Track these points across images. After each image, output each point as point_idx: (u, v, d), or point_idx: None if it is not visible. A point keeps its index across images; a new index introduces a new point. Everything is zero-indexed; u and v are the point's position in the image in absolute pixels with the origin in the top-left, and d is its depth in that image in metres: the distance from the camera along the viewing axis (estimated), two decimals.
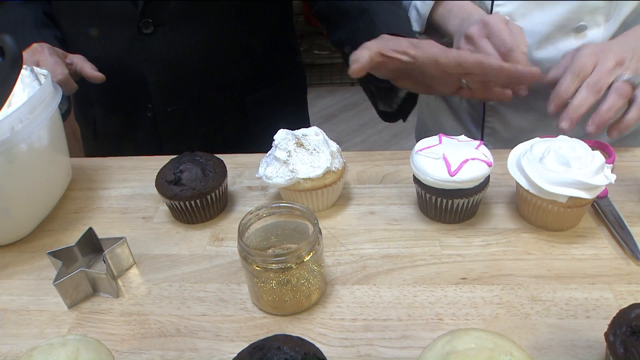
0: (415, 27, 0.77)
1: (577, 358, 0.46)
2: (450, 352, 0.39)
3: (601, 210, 0.60)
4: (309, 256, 0.49)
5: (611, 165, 0.59)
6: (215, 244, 0.61)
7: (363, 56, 0.60)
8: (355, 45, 0.62)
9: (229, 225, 0.64)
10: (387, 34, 0.65)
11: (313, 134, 0.64)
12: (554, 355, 0.46)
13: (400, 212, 0.64)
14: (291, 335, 0.42)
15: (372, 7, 0.73)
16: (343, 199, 0.66)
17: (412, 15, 0.77)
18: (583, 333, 0.48)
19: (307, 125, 0.66)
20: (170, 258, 0.60)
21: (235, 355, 0.42)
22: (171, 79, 0.83)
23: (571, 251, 0.57)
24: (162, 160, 0.68)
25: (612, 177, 0.56)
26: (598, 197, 0.61)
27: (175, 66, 0.82)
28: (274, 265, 0.48)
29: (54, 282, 0.53)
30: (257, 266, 0.49)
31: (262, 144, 0.68)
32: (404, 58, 0.61)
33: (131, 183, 0.73)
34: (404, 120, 0.79)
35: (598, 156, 0.56)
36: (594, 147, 0.59)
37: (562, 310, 0.51)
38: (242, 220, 0.51)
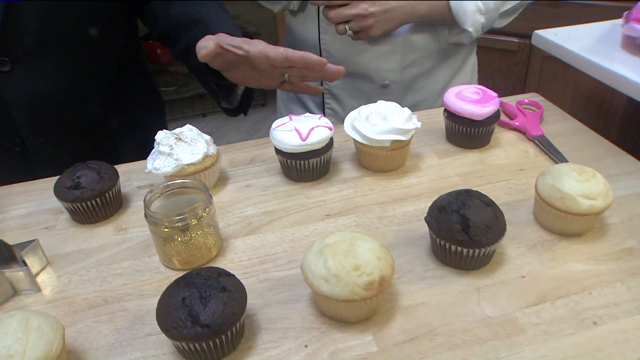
0: None
1: (415, 246, 0.64)
2: (323, 247, 0.54)
3: (540, 143, 0.82)
4: (205, 214, 0.62)
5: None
6: (120, 234, 0.71)
7: (209, 43, 0.73)
8: (195, 50, 0.77)
9: (128, 217, 0.74)
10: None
11: (187, 130, 0.76)
12: (399, 247, 0.64)
13: (270, 181, 0.79)
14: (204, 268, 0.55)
15: (205, 16, 0.88)
16: (222, 180, 0.79)
17: None
18: (417, 231, 0.67)
19: None
20: (82, 252, 0.68)
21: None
22: (37, 112, 0.88)
23: (402, 182, 0.76)
24: (46, 182, 0.76)
25: (418, 124, 0.76)
26: (536, 136, 0.83)
27: (39, 99, 0.87)
28: (178, 224, 0.60)
29: None
30: (165, 228, 0.60)
31: (139, 156, 0.79)
32: (239, 52, 0.76)
33: (23, 204, 0.78)
34: (245, 114, 0.96)
35: (406, 110, 0.76)
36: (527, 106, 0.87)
37: (400, 220, 0.69)
38: (145, 197, 0.62)
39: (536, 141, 0.82)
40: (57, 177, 0.73)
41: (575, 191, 0.61)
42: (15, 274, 0.62)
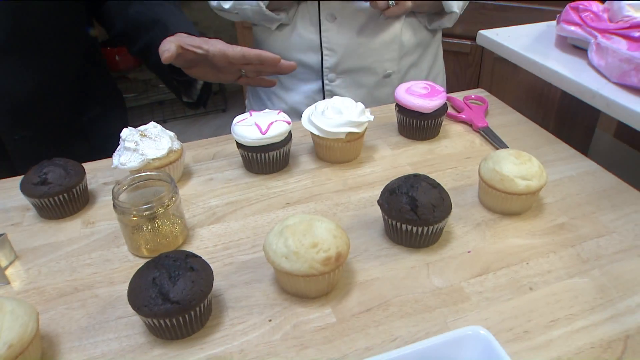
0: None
1: (369, 228, 0.69)
2: (283, 228, 0.58)
3: (485, 134, 0.88)
4: (171, 203, 0.65)
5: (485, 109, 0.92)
6: (88, 227, 0.73)
7: (171, 46, 0.78)
8: (156, 50, 0.81)
9: (95, 212, 0.76)
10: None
11: (152, 127, 0.79)
12: (355, 230, 0.69)
13: (232, 174, 0.82)
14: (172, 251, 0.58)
15: (163, 16, 0.92)
16: (186, 175, 0.83)
17: None
18: (371, 215, 0.72)
19: None
20: (50, 245, 0.70)
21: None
22: (11, 109, 0.91)
23: (357, 172, 0.81)
24: (9, 182, 0.79)
25: (371, 117, 0.81)
26: (481, 127, 0.89)
27: (12, 96, 0.90)
28: (146, 212, 0.63)
29: None
30: (133, 217, 0.63)
31: (104, 155, 0.84)
32: (198, 51, 0.81)
33: None
34: (205, 107, 1.01)
35: (360, 105, 0.81)
36: (474, 100, 0.93)
37: (356, 206, 0.74)
38: (113, 188, 0.65)
39: (481, 132, 0.89)
40: (21, 176, 0.75)
41: (513, 173, 0.67)
42: None
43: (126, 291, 0.58)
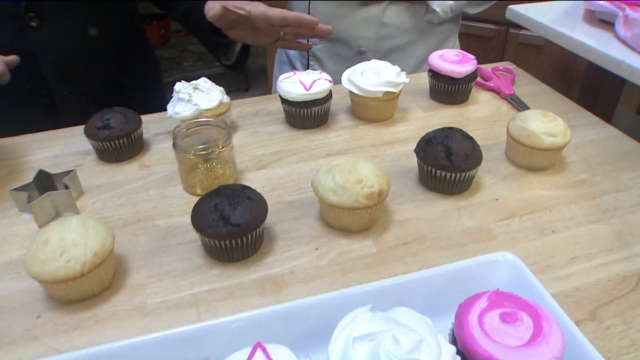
0: None
1: (405, 177, 0.75)
2: (331, 167, 0.64)
3: (512, 100, 0.93)
4: (226, 146, 0.71)
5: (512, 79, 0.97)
6: (144, 170, 0.80)
7: (215, 6, 0.85)
8: (199, 12, 0.86)
9: (149, 157, 0.83)
10: None
11: (203, 82, 0.85)
12: (391, 178, 0.74)
13: (275, 129, 0.89)
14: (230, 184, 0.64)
15: None
16: (232, 129, 0.89)
17: None
18: (406, 166, 0.77)
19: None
20: (112, 184, 0.77)
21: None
22: (62, 66, 0.98)
23: (391, 130, 0.87)
24: (70, 130, 0.86)
25: (406, 79, 0.87)
26: (508, 94, 0.94)
27: (63, 54, 0.97)
28: (202, 152, 0.69)
29: (26, 203, 0.68)
30: (191, 156, 0.70)
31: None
32: (241, 12, 0.87)
33: (51, 148, 0.86)
34: (242, 70, 1.06)
35: (396, 68, 0.87)
36: (501, 71, 0.98)
37: (391, 158, 0.79)
38: (174, 130, 0.71)
39: (508, 99, 0.94)
40: (77, 126, 0.82)
41: (539, 130, 0.73)
42: (59, 196, 0.70)
43: (184, 222, 0.65)
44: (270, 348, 0.42)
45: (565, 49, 0.96)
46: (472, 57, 0.92)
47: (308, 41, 1.13)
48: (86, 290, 0.57)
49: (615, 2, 0.92)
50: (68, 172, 0.73)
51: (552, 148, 0.73)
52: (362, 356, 0.39)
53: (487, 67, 1.05)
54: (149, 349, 0.46)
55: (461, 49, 1.06)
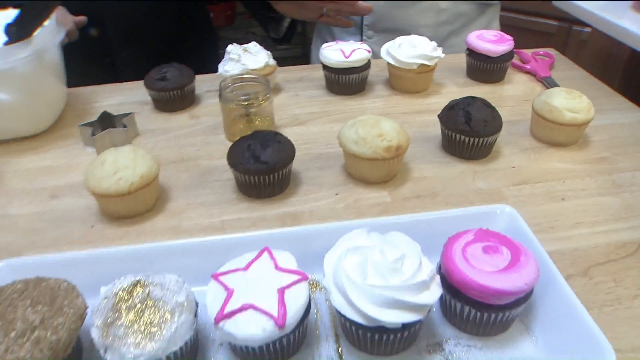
0: None
1: (428, 142, 0.80)
2: (356, 122, 0.70)
3: (547, 82, 0.96)
4: (265, 100, 0.78)
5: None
6: (193, 120, 0.89)
7: None
8: None
9: (199, 110, 0.91)
10: None
11: (252, 46, 0.93)
12: (415, 141, 0.79)
13: (315, 93, 0.95)
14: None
15: None
16: (275, 90, 0.96)
17: None
18: (431, 133, 0.82)
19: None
20: (163, 129, 0.86)
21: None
22: (125, 29, 1.09)
23: (424, 101, 0.92)
24: (131, 84, 0.96)
25: (442, 54, 0.91)
26: (544, 77, 0.97)
27: (127, 19, 1.08)
28: (244, 102, 0.77)
29: (91, 135, 0.78)
30: (233, 106, 0.77)
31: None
32: None
33: (114, 98, 0.97)
34: (289, 43, 1.14)
35: (433, 43, 0.91)
36: (541, 55, 1.01)
37: (419, 124, 0.84)
38: (220, 82, 0.79)
39: (544, 81, 0.97)
40: (141, 81, 0.91)
41: (562, 105, 0.76)
42: (117, 133, 0.80)
43: (222, 164, 0.73)
44: (275, 252, 0.48)
45: (609, 36, 0.98)
46: (510, 38, 0.95)
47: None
48: (132, 208, 0.66)
49: None
50: (127, 115, 0.83)
51: (573, 124, 0.76)
52: (351, 265, 0.46)
53: (528, 52, 1.07)
54: (179, 252, 0.54)
55: (518, 46, 1.08)
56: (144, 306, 0.44)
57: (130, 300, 0.44)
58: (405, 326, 0.44)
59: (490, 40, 0.94)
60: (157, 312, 0.44)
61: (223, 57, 0.93)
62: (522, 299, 0.47)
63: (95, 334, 0.43)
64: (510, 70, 1.01)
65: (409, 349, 0.48)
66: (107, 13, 1.06)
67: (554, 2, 1.11)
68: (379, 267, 0.44)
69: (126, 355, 0.41)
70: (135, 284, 0.45)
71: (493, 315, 0.47)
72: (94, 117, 0.83)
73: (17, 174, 0.77)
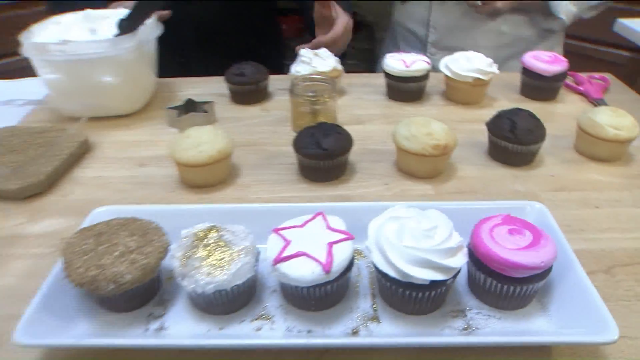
0: None
1: (475, 147, 0.87)
2: (410, 121, 0.78)
3: (597, 104, 1.01)
4: (330, 98, 0.88)
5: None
6: (264, 112, 0.99)
7: None
8: None
9: (270, 104, 1.02)
10: None
11: (323, 51, 1.03)
12: (463, 145, 0.86)
13: (377, 98, 1.04)
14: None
15: None
16: (340, 93, 1.06)
17: None
18: (479, 139, 0.89)
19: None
20: (237, 118, 0.97)
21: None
22: (201, 34, 1.22)
23: (476, 112, 0.99)
24: (212, 78, 1.07)
25: (497, 70, 0.98)
26: (596, 98, 1.02)
27: (203, 26, 1.21)
28: (311, 98, 0.87)
29: (177, 116, 0.90)
30: (302, 100, 0.87)
31: None
32: (326, 13, 1.03)
33: (197, 89, 1.09)
34: (355, 59, 1.23)
35: (488, 59, 0.98)
36: (596, 79, 1.08)
37: (468, 131, 0.91)
38: (292, 79, 0.89)
39: (595, 102, 1.01)
40: (221, 76, 1.03)
41: (605, 122, 0.81)
42: (198, 117, 0.92)
43: (287, 150, 0.83)
44: (328, 216, 0.57)
45: None
46: (564, 59, 1.00)
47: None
48: (207, 179, 0.76)
49: None
50: (208, 102, 0.95)
51: (615, 140, 0.81)
52: (390, 229, 0.54)
53: (584, 75, 1.12)
54: (246, 213, 0.63)
55: (589, 74, 1.12)
56: (216, 245, 0.54)
57: (206, 240, 0.54)
58: (432, 285, 0.51)
59: (545, 60, 1.00)
60: (226, 251, 0.53)
61: (287, 65, 1.04)
62: (539, 276, 0.53)
63: (176, 263, 0.53)
64: (563, 90, 1.06)
65: (436, 311, 0.56)
66: (186, 19, 1.19)
67: (615, 28, 1.15)
68: (414, 233, 0.52)
69: (199, 281, 0.51)
70: (211, 229, 0.55)
71: (512, 288, 0.53)
72: (178, 103, 0.95)
73: (112, 144, 0.90)
